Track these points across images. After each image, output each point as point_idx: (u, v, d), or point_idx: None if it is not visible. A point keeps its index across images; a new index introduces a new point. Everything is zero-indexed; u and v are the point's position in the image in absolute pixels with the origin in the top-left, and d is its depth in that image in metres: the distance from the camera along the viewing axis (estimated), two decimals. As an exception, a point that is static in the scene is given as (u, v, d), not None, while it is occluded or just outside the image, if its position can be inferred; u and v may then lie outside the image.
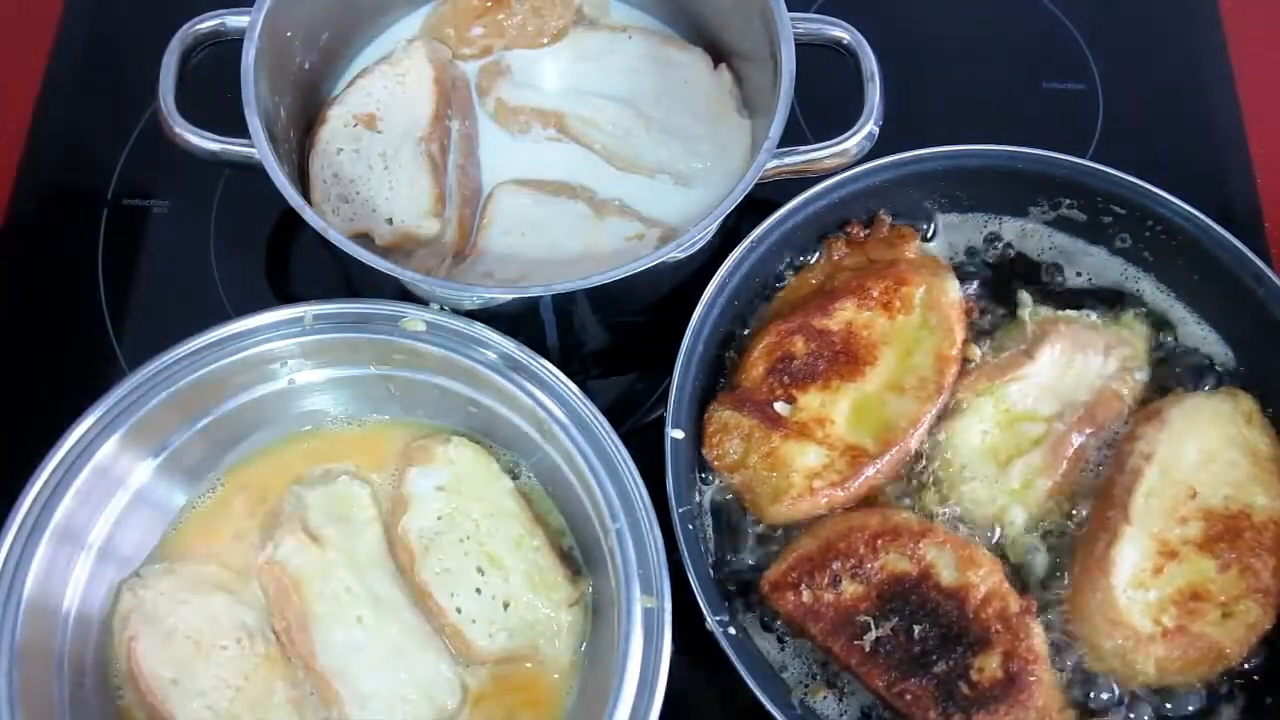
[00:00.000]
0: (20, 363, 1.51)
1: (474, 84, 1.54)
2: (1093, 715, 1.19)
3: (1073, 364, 1.32)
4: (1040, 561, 1.25)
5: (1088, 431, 1.29)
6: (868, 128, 1.35)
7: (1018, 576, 1.24)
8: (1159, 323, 1.38)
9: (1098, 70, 1.72)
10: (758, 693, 1.13)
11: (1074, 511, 1.28)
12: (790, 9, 1.36)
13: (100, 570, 1.21)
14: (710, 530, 1.28)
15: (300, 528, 1.24)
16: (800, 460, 1.25)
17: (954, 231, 1.44)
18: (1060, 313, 1.37)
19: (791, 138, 1.33)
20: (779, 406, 1.28)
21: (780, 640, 1.24)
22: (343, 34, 1.52)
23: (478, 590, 1.22)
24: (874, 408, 1.29)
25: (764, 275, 1.39)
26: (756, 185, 1.30)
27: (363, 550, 1.25)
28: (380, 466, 1.32)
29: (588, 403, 1.22)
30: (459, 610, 1.21)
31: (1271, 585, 1.20)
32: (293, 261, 1.57)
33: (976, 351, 1.33)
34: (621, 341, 1.49)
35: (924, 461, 1.29)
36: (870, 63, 1.37)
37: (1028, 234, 1.43)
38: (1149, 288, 1.40)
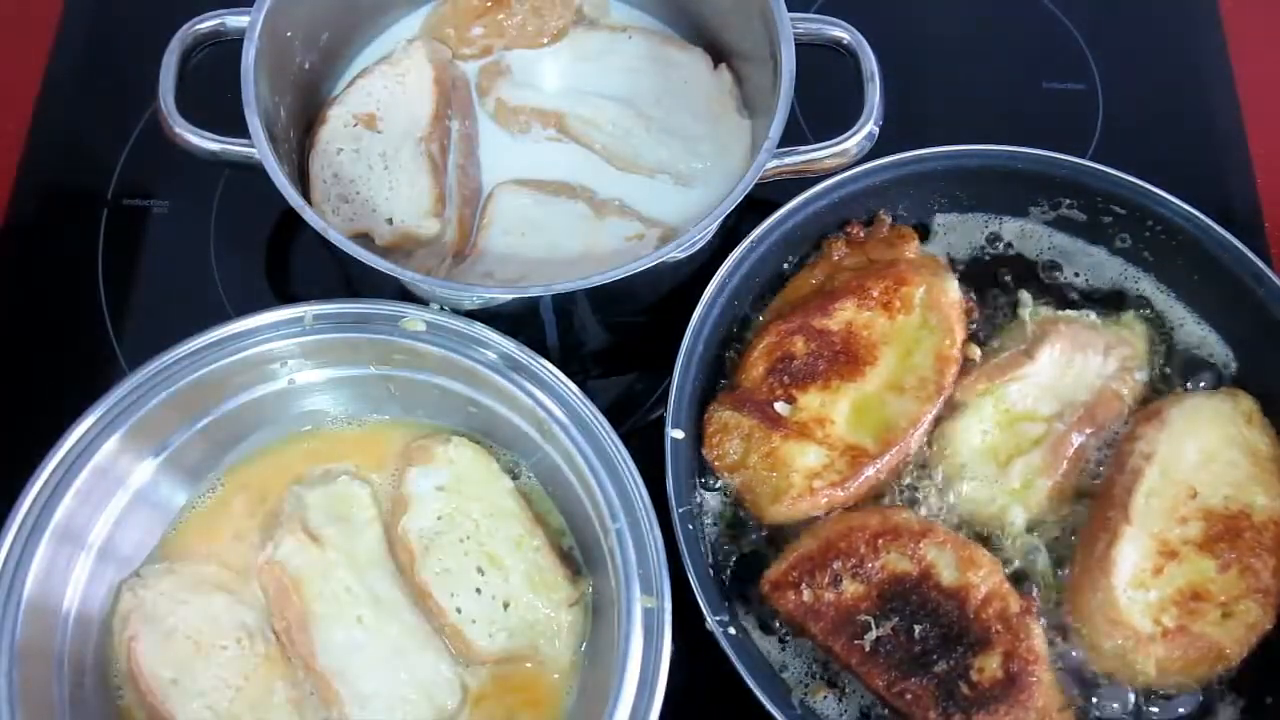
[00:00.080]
0: (20, 363, 1.51)
1: (474, 84, 1.54)
2: (1092, 716, 1.19)
3: (1073, 364, 1.32)
4: (1040, 561, 1.25)
5: (1088, 431, 1.29)
6: (868, 128, 1.35)
7: (1018, 576, 1.24)
8: (1159, 323, 1.38)
9: (1098, 70, 1.72)
10: (758, 693, 1.13)
11: (1074, 511, 1.28)
12: (790, 9, 1.36)
13: (100, 570, 1.21)
14: (710, 530, 1.28)
15: (300, 528, 1.24)
16: (800, 460, 1.25)
17: (954, 231, 1.44)
18: (1060, 313, 1.37)
19: (791, 138, 1.33)
20: (779, 406, 1.28)
21: (780, 640, 1.24)
22: (343, 34, 1.52)
23: (478, 590, 1.22)
24: (874, 408, 1.29)
25: (764, 275, 1.39)
26: (756, 185, 1.30)
27: (363, 550, 1.25)
28: (380, 466, 1.32)
29: (588, 403, 1.22)
30: (459, 610, 1.21)
31: (1271, 585, 1.20)
32: (293, 261, 1.57)
33: (976, 351, 1.33)
34: (621, 341, 1.49)
35: (924, 461, 1.29)
36: (870, 63, 1.37)
37: (1028, 234, 1.43)
38: (1149, 288, 1.40)
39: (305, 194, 1.40)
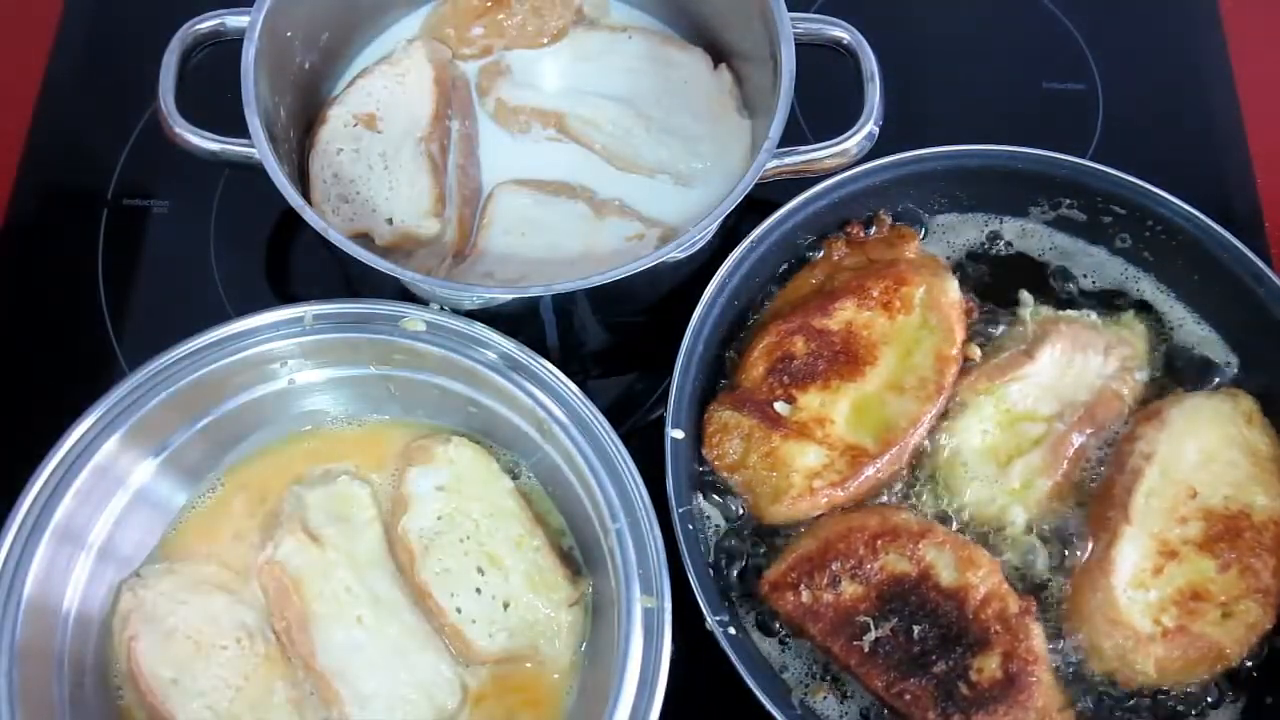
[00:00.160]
0: (20, 363, 1.51)
1: (474, 84, 1.54)
2: (1092, 716, 1.19)
3: (1073, 364, 1.32)
4: (1040, 561, 1.25)
5: (1088, 431, 1.29)
6: (868, 128, 1.35)
7: (1017, 577, 1.24)
8: (1159, 323, 1.38)
9: (1098, 70, 1.72)
10: (758, 693, 1.13)
11: (1074, 511, 1.28)
12: (790, 9, 1.36)
13: (100, 570, 1.21)
14: (710, 530, 1.28)
15: (300, 528, 1.24)
16: (800, 460, 1.25)
17: (954, 231, 1.44)
18: (1060, 312, 1.37)
19: (791, 138, 1.33)
20: (779, 406, 1.28)
21: (780, 640, 1.24)
22: (343, 34, 1.52)
23: (478, 590, 1.22)
24: (874, 408, 1.29)
25: (764, 275, 1.39)
26: (756, 185, 1.30)
27: (363, 550, 1.25)
28: (380, 466, 1.32)
29: (588, 403, 1.22)
30: (459, 610, 1.21)
31: (1271, 585, 1.20)
32: (293, 261, 1.57)
33: (976, 351, 1.33)
34: (621, 341, 1.49)
35: (924, 461, 1.29)
36: (870, 63, 1.37)
37: (1028, 234, 1.43)
38: (1149, 288, 1.40)
39: (305, 194, 1.40)
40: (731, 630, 1.18)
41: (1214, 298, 1.36)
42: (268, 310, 1.25)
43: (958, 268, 1.40)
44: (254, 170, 1.29)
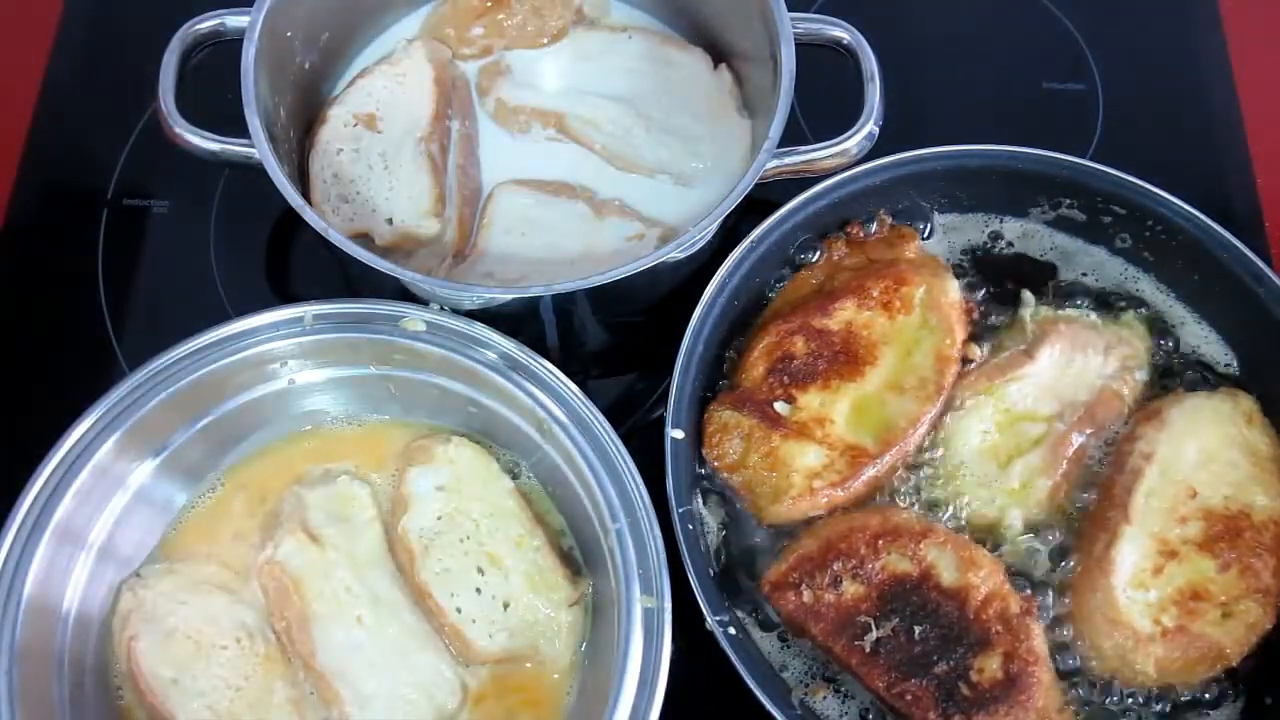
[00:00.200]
0: (20, 363, 1.51)
1: (474, 84, 1.54)
2: (1092, 716, 1.19)
3: (1073, 364, 1.32)
4: (1040, 562, 1.25)
5: (1088, 431, 1.29)
6: (868, 128, 1.35)
7: (1018, 577, 1.24)
8: (1159, 322, 1.38)
9: (1098, 70, 1.72)
10: (758, 693, 1.13)
11: (1074, 512, 1.28)
12: (790, 9, 1.36)
13: (100, 570, 1.21)
14: (710, 530, 1.28)
15: (300, 528, 1.24)
16: (800, 460, 1.25)
17: (954, 231, 1.44)
18: (1060, 312, 1.37)
19: (791, 138, 1.33)
20: (779, 406, 1.28)
21: (780, 640, 1.24)
22: (343, 34, 1.52)
23: (478, 590, 1.22)
24: (874, 407, 1.29)
25: (764, 275, 1.39)
26: (756, 185, 1.30)
27: (363, 550, 1.25)
28: (380, 466, 1.32)
29: (588, 403, 1.22)
30: (459, 610, 1.21)
31: (1271, 585, 1.20)
32: (293, 261, 1.57)
33: (976, 351, 1.33)
34: (621, 341, 1.49)
35: (924, 461, 1.29)
36: (870, 63, 1.37)
37: (1028, 234, 1.43)
38: (1149, 288, 1.40)
39: (305, 194, 1.40)
40: (731, 630, 1.18)
41: (1214, 298, 1.36)
42: (268, 310, 1.25)
43: (958, 268, 1.40)
44: (254, 170, 1.29)
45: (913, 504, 1.28)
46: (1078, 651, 1.21)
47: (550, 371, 1.24)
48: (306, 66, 1.46)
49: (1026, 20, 1.77)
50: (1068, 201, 1.40)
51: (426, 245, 1.41)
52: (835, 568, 1.20)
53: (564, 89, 1.53)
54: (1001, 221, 1.44)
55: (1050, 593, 1.24)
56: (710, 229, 1.29)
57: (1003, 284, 1.40)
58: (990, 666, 1.16)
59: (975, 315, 1.36)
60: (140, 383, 1.21)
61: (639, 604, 1.13)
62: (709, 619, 1.17)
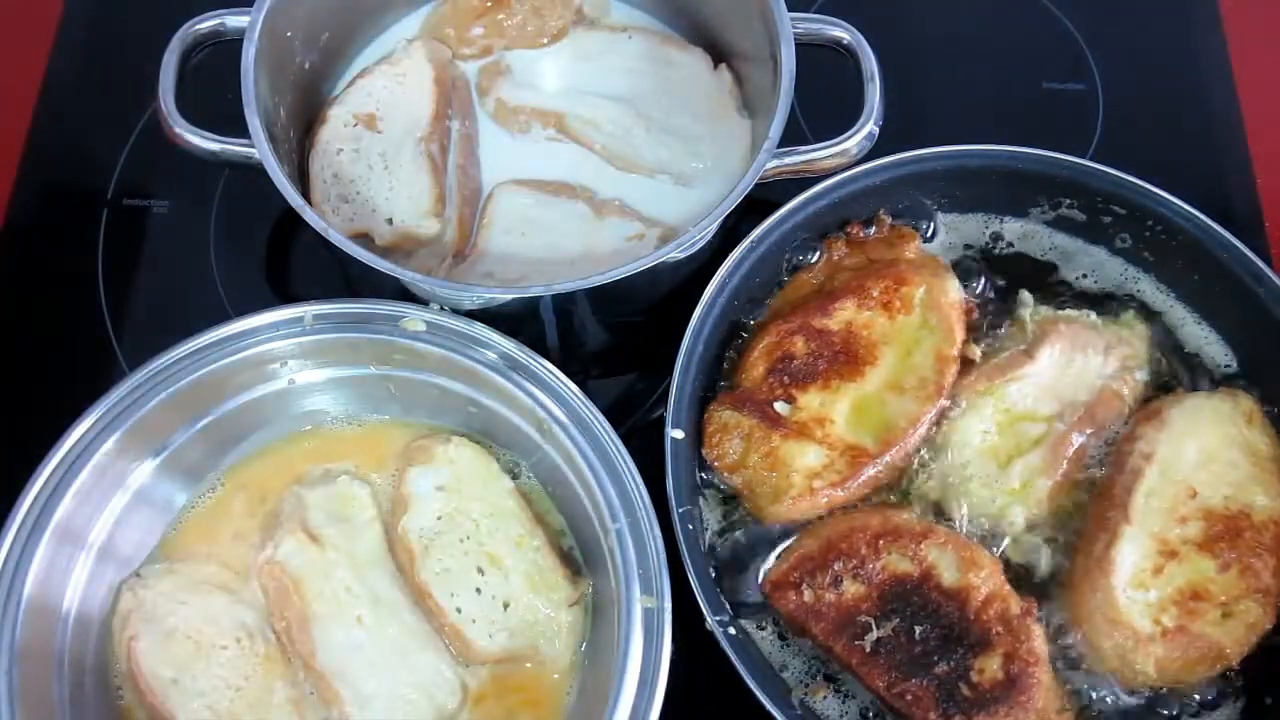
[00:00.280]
0: (20, 363, 1.51)
1: (474, 84, 1.54)
2: (1092, 716, 1.19)
3: (1072, 364, 1.32)
4: (1040, 561, 1.25)
5: (1088, 431, 1.29)
6: (868, 128, 1.35)
7: (1018, 577, 1.24)
8: (1159, 323, 1.38)
9: (1098, 70, 1.72)
10: (758, 693, 1.13)
11: (1074, 512, 1.28)
12: (790, 9, 1.36)
13: (100, 570, 1.21)
14: (710, 530, 1.28)
15: (300, 528, 1.24)
16: (800, 460, 1.25)
17: (954, 231, 1.44)
18: (1060, 312, 1.37)
19: (791, 138, 1.33)
20: (779, 406, 1.28)
21: (780, 640, 1.24)
22: (343, 34, 1.52)
23: (478, 590, 1.22)
24: (874, 408, 1.29)
25: (764, 275, 1.39)
26: (756, 185, 1.30)
27: (363, 550, 1.25)
28: (380, 466, 1.32)
29: (588, 403, 1.22)
30: (459, 610, 1.21)
31: (1271, 585, 1.20)
32: (293, 261, 1.57)
33: (976, 351, 1.33)
34: (621, 341, 1.49)
35: (924, 462, 1.29)
36: (870, 63, 1.37)
37: (1028, 234, 1.43)
38: (1149, 288, 1.40)
39: (305, 194, 1.40)
40: (731, 630, 1.18)
41: (1214, 298, 1.36)
42: (268, 310, 1.25)
43: (957, 268, 1.40)
44: (254, 170, 1.29)
45: (913, 504, 1.28)
46: (1078, 652, 1.21)
47: (550, 371, 1.24)
48: (306, 66, 1.46)
49: (1026, 20, 1.77)
50: (1068, 201, 1.40)
51: (426, 245, 1.41)
52: (836, 568, 1.20)
53: (564, 89, 1.53)
54: (1001, 221, 1.44)
55: (1050, 593, 1.24)
56: (710, 229, 1.29)
57: (1003, 284, 1.40)
58: (990, 667, 1.16)
59: (975, 315, 1.36)
60: (140, 383, 1.21)
61: (639, 604, 1.13)
62: (709, 619, 1.17)
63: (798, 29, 1.36)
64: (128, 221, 1.60)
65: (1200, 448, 1.25)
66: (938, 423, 1.29)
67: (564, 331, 1.38)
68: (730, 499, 1.29)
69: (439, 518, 1.24)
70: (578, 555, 1.28)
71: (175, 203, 1.61)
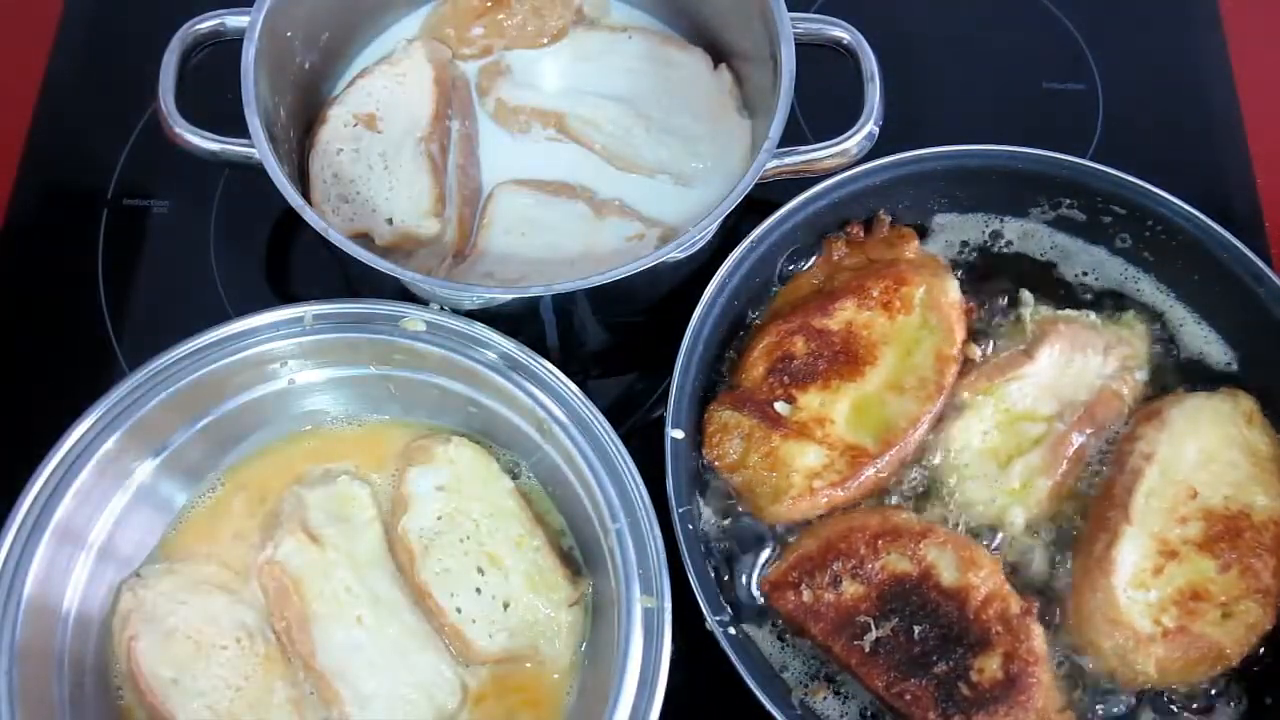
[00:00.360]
0: (20, 363, 1.51)
1: (474, 84, 1.54)
2: (1092, 716, 1.19)
3: (1072, 363, 1.32)
4: (1040, 561, 1.25)
5: (1088, 431, 1.29)
6: (868, 128, 1.35)
7: (1018, 577, 1.24)
8: (1159, 323, 1.38)
9: (1098, 70, 1.72)
10: (758, 693, 1.13)
11: (1074, 511, 1.28)
12: (790, 9, 1.36)
13: (100, 570, 1.21)
14: (710, 530, 1.28)
15: (300, 528, 1.24)
16: (800, 460, 1.25)
17: (954, 231, 1.44)
18: (1060, 312, 1.37)
19: (791, 138, 1.33)
20: (779, 406, 1.28)
21: (780, 640, 1.24)
22: (343, 34, 1.52)
23: (478, 590, 1.22)
24: (874, 407, 1.29)
25: (764, 275, 1.39)
26: (756, 185, 1.30)
27: (363, 550, 1.25)
28: (380, 466, 1.32)
29: (588, 403, 1.22)
30: (459, 610, 1.21)
31: (1271, 585, 1.20)
32: (293, 261, 1.57)
33: (976, 351, 1.33)
34: (621, 341, 1.49)
35: (924, 461, 1.29)
36: (870, 63, 1.37)
37: (1028, 234, 1.43)
38: (1149, 288, 1.40)
39: (305, 194, 1.40)
40: (731, 630, 1.18)
41: (1214, 298, 1.36)
42: (268, 310, 1.25)
43: (958, 267, 1.40)
44: (254, 170, 1.29)
45: (912, 504, 1.28)
46: (1078, 652, 1.21)
47: (550, 371, 1.24)
48: (306, 66, 1.46)
49: (1026, 20, 1.77)
50: (1068, 201, 1.40)
51: (426, 245, 1.41)
52: (835, 567, 1.20)
53: (564, 89, 1.53)
54: (1001, 221, 1.44)
55: (1050, 593, 1.24)
56: (710, 229, 1.29)
57: (1003, 284, 1.40)
58: (990, 666, 1.16)
59: (975, 315, 1.36)
60: (140, 383, 1.21)
61: (639, 604, 1.13)
62: (709, 619, 1.17)
63: (798, 29, 1.36)
64: (128, 221, 1.60)
65: (1200, 448, 1.25)
66: (938, 423, 1.29)
67: (564, 331, 1.38)
68: (730, 499, 1.29)
69: (439, 518, 1.24)
70: (578, 555, 1.28)
71: (175, 203, 1.61)
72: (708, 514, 1.29)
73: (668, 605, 1.13)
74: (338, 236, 1.25)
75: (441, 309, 1.27)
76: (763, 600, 1.24)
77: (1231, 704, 1.20)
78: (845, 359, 1.30)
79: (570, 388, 1.23)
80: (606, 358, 1.51)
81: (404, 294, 1.29)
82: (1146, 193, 1.35)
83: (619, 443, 1.20)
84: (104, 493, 1.21)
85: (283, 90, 1.40)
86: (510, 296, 1.25)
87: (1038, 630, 1.18)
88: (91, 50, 1.72)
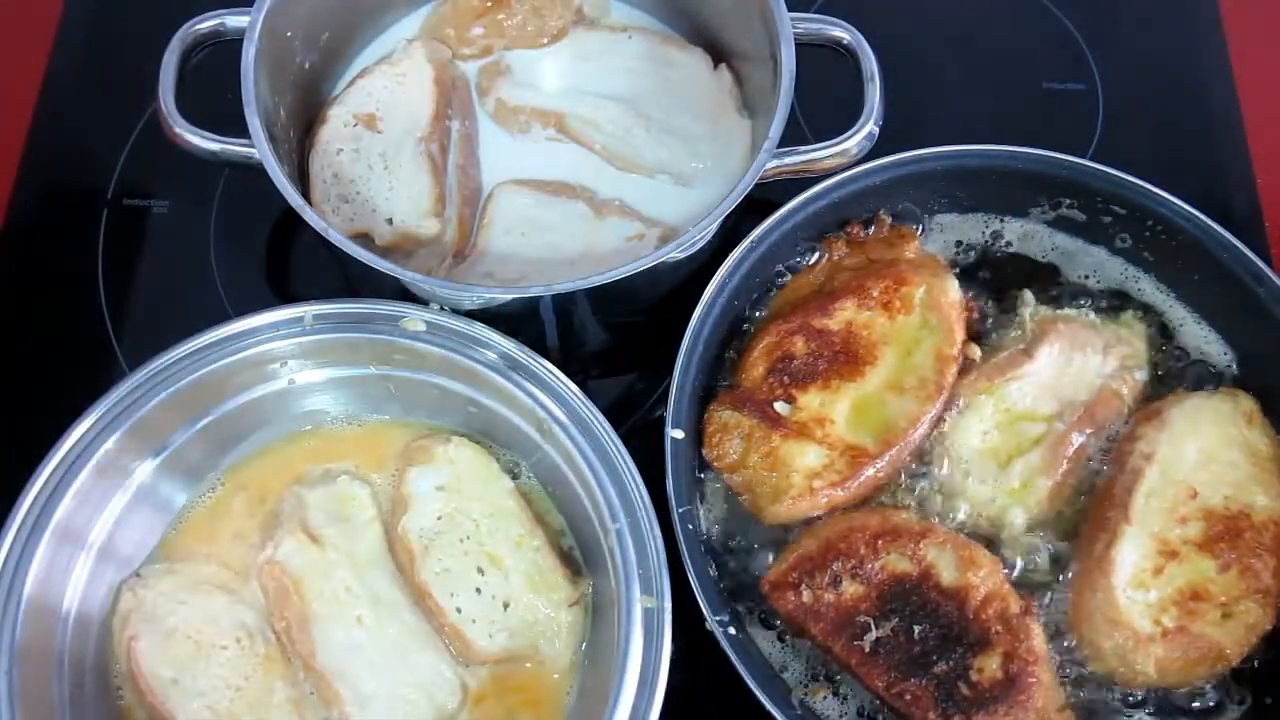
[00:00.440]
0: (20, 363, 1.51)
1: (474, 84, 1.54)
2: (1092, 716, 1.19)
3: (1072, 363, 1.32)
4: (1040, 561, 1.25)
5: (1088, 431, 1.29)
6: (868, 128, 1.35)
7: (1017, 576, 1.24)
8: (1159, 322, 1.38)
9: (1098, 70, 1.72)
10: (758, 693, 1.13)
11: (1074, 511, 1.28)
12: (790, 9, 1.36)
13: (100, 570, 1.21)
14: (710, 530, 1.28)
15: (300, 528, 1.24)
16: (800, 460, 1.25)
17: (954, 231, 1.44)
18: (1060, 312, 1.37)
19: (791, 138, 1.33)
20: (779, 406, 1.28)
21: (780, 640, 1.24)
22: (343, 34, 1.52)
23: (478, 590, 1.22)
24: (874, 407, 1.29)
25: (764, 275, 1.39)
26: (756, 185, 1.30)
27: (363, 550, 1.25)
28: (380, 466, 1.32)
29: (588, 403, 1.22)
30: (459, 610, 1.21)
31: (1271, 585, 1.20)
32: (293, 261, 1.57)
33: (976, 351, 1.33)
34: (621, 341, 1.49)
35: (924, 461, 1.29)
36: (870, 63, 1.37)
37: (1028, 234, 1.43)
38: (1149, 288, 1.40)
39: (305, 194, 1.40)
40: (731, 630, 1.18)
41: (1214, 298, 1.36)
42: (268, 310, 1.25)
43: (957, 268, 1.40)
44: (254, 170, 1.29)
45: (912, 504, 1.28)
46: (1078, 652, 1.21)
47: (550, 371, 1.24)
48: (306, 66, 1.46)
49: (1026, 20, 1.77)
50: (1068, 201, 1.40)
51: (426, 245, 1.41)
52: (835, 568, 1.20)
53: (564, 89, 1.53)
54: (1001, 221, 1.44)
55: (1050, 592, 1.24)
56: (710, 229, 1.29)
57: (1003, 284, 1.40)
58: (990, 666, 1.16)
59: (975, 315, 1.36)
60: (140, 383, 1.21)
61: (639, 604, 1.13)
62: (709, 619, 1.17)
63: (798, 29, 1.36)
64: (128, 221, 1.60)
65: (1200, 448, 1.25)
66: (938, 422, 1.29)
67: (564, 331, 1.38)
68: (730, 499, 1.29)
69: (439, 518, 1.24)
70: (578, 555, 1.28)
71: (175, 203, 1.61)
72: (708, 514, 1.29)
73: (668, 605, 1.13)
74: (338, 236, 1.25)
75: (441, 309, 1.27)
76: (763, 600, 1.24)
77: (1232, 704, 1.20)
78: (845, 359, 1.30)
79: (570, 388, 1.23)
80: (606, 358, 1.51)
81: (404, 294, 1.29)
82: (1146, 193, 1.35)
83: (619, 443, 1.20)
84: (104, 493, 1.21)
85: (283, 90, 1.40)
86: (510, 296, 1.25)
87: (1037, 629, 1.18)
88: (91, 50, 1.72)
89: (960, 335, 1.32)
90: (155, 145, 1.50)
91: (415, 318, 1.25)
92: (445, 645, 1.22)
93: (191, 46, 1.37)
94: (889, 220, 1.41)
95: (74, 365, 1.51)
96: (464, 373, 1.26)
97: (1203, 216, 1.34)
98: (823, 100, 1.47)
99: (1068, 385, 1.31)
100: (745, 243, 1.33)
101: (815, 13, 1.42)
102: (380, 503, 1.29)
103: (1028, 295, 1.37)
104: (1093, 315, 1.36)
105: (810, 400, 1.28)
